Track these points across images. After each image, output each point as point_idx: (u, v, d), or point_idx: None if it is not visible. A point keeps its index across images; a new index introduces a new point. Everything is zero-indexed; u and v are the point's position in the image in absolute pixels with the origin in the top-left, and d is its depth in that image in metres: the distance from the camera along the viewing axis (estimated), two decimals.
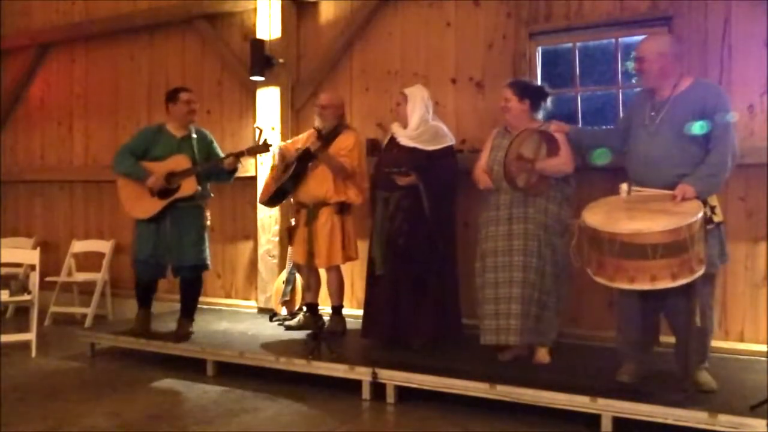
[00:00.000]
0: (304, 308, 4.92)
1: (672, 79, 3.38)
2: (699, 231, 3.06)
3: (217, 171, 4.76)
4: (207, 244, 4.78)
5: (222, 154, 4.81)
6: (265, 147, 4.64)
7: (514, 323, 3.78)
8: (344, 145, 4.55)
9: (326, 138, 4.58)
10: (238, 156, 4.63)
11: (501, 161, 3.80)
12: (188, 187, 4.59)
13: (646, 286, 3.06)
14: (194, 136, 4.78)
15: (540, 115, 4.02)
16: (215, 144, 4.90)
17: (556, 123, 3.89)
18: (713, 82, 3.78)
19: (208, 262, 4.79)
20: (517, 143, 3.73)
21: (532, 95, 3.97)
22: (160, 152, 4.66)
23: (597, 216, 3.23)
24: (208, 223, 4.82)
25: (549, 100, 4.08)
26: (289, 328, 4.85)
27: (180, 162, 4.62)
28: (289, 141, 5.04)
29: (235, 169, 4.78)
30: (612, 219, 3.16)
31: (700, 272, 3.07)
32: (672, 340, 3.54)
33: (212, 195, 4.92)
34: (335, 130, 4.63)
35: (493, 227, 3.92)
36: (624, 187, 3.28)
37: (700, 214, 3.06)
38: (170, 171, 4.60)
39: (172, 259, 4.65)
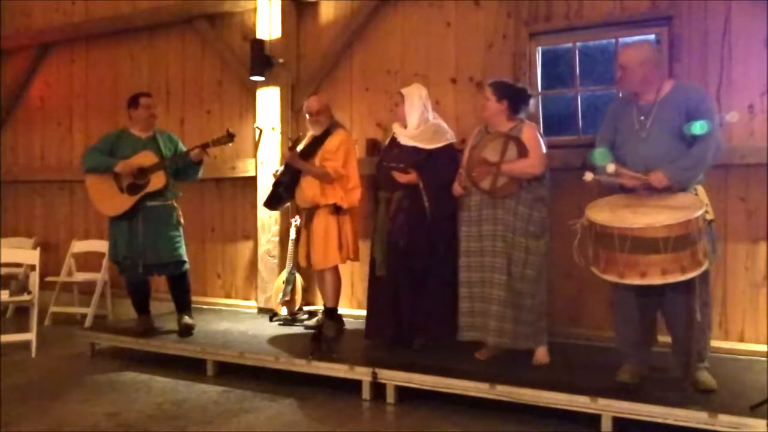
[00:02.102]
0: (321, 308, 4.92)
1: (654, 84, 3.43)
2: (703, 224, 3.11)
3: (185, 166, 4.80)
4: (182, 240, 4.83)
5: None
6: (230, 138, 4.70)
7: (493, 324, 3.80)
8: (328, 148, 4.55)
9: (314, 143, 4.62)
10: (203, 147, 4.70)
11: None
12: (157, 181, 4.65)
13: (658, 280, 3.08)
14: (158, 136, 4.85)
15: (521, 116, 4.01)
16: (181, 144, 4.95)
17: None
18: (694, 83, 3.79)
19: (185, 258, 4.83)
20: (480, 148, 3.79)
21: (511, 96, 3.96)
22: (127, 151, 4.72)
23: (603, 213, 3.24)
24: (181, 219, 4.86)
25: (531, 103, 4.11)
26: (308, 328, 4.84)
27: (147, 157, 4.68)
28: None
29: (201, 161, 4.80)
30: (618, 216, 3.18)
31: (706, 265, 3.11)
32: (669, 339, 3.54)
33: (181, 193, 4.94)
34: (326, 132, 4.64)
35: (466, 227, 3.96)
36: (611, 167, 3.32)
37: (704, 208, 3.11)
38: (139, 166, 4.65)
39: (149, 259, 4.69)
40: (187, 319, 4.81)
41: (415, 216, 4.20)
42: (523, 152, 3.79)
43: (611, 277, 3.19)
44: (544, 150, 3.89)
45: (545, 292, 3.92)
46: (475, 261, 3.91)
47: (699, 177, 3.35)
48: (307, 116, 4.71)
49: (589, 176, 3.35)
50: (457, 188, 4.04)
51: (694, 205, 3.13)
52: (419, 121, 4.34)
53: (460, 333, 3.98)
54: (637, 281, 3.13)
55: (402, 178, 4.22)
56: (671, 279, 3.07)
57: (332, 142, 4.57)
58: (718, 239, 4.08)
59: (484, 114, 4.01)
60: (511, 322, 3.80)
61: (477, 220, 3.91)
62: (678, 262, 3.04)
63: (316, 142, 4.62)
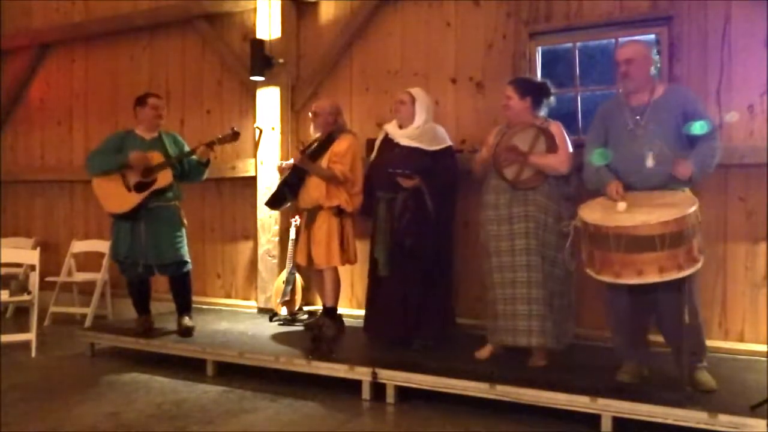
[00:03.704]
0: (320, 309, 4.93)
1: (649, 83, 3.46)
2: (697, 221, 3.11)
3: (191, 166, 4.79)
4: (185, 241, 4.82)
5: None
6: (235, 136, 4.70)
7: (535, 324, 3.72)
8: (337, 151, 4.56)
9: (320, 146, 4.62)
10: (209, 146, 4.69)
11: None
12: (164, 179, 4.65)
13: (655, 278, 3.06)
14: (164, 137, 4.85)
15: (543, 112, 4.01)
16: (187, 147, 4.94)
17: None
18: (685, 86, 3.83)
19: (187, 258, 4.82)
20: (512, 133, 3.77)
21: (533, 93, 3.96)
22: (132, 153, 4.69)
23: (596, 213, 3.23)
24: (184, 221, 4.85)
25: (552, 97, 4.08)
26: (307, 327, 4.85)
27: (153, 157, 4.68)
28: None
29: (208, 161, 4.79)
30: (612, 215, 3.17)
31: (701, 263, 3.11)
32: (661, 339, 3.55)
33: (183, 196, 4.93)
34: (330, 136, 4.64)
35: (493, 227, 3.89)
36: (622, 205, 3.24)
37: (697, 204, 3.12)
38: (146, 164, 4.64)
39: (150, 259, 4.69)
40: (187, 321, 4.79)
41: (421, 216, 4.20)
42: (551, 147, 3.77)
43: (607, 278, 3.17)
44: (571, 149, 3.87)
45: (573, 292, 3.88)
46: (507, 261, 3.82)
47: (708, 174, 3.39)
48: (315, 116, 4.70)
49: (622, 206, 3.23)
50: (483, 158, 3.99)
51: (687, 202, 3.13)
52: (421, 123, 4.35)
53: (495, 336, 3.88)
54: (634, 280, 3.11)
55: (407, 183, 4.21)
56: (668, 276, 3.06)
57: (341, 146, 4.57)
58: (718, 239, 4.12)
59: (508, 113, 3.97)
60: (543, 320, 3.74)
61: (507, 218, 3.84)
62: (674, 259, 3.04)
63: (324, 145, 4.62)
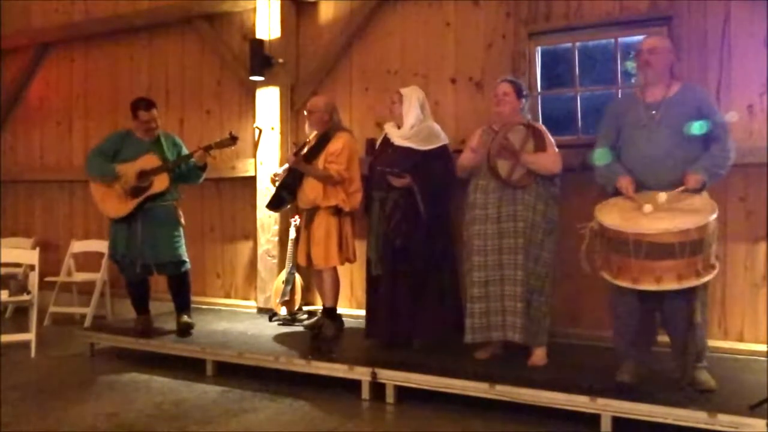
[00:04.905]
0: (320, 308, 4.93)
1: (668, 79, 3.46)
2: (715, 228, 3.09)
3: (188, 169, 4.82)
4: (182, 240, 4.83)
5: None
6: (233, 140, 4.72)
7: (518, 321, 3.75)
8: (332, 150, 4.54)
9: (316, 145, 4.60)
10: (206, 150, 4.71)
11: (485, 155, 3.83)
12: (160, 183, 4.67)
13: (674, 285, 3.04)
14: (163, 139, 4.86)
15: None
16: (185, 148, 4.95)
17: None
18: (701, 86, 3.81)
19: (185, 258, 4.83)
20: (505, 131, 3.76)
21: (524, 95, 4.04)
22: (130, 154, 4.73)
23: (612, 217, 3.19)
24: (182, 220, 4.86)
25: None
26: (307, 327, 4.85)
27: (150, 161, 4.70)
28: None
29: (205, 165, 4.82)
30: (631, 220, 3.12)
31: (717, 269, 3.09)
32: (667, 339, 3.55)
33: (181, 196, 4.95)
34: (326, 134, 4.63)
35: (480, 226, 3.89)
36: (662, 195, 3.19)
37: (717, 211, 3.09)
38: (141, 169, 4.66)
39: (148, 258, 4.70)
40: (186, 318, 4.81)
41: (412, 216, 4.20)
42: (540, 147, 3.79)
43: (624, 283, 3.14)
44: (556, 149, 3.91)
45: (551, 290, 3.91)
46: (493, 260, 3.83)
47: (721, 178, 3.38)
48: (309, 114, 4.69)
49: (648, 209, 3.16)
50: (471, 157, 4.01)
51: (707, 208, 3.08)
52: (414, 122, 4.35)
53: (472, 335, 3.87)
54: (653, 287, 3.08)
55: (397, 182, 4.22)
56: (686, 284, 3.03)
57: (336, 145, 4.55)
58: (719, 239, 4.10)
59: (504, 108, 3.96)
60: (523, 317, 3.76)
61: (495, 217, 3.85)
62: (693, 266, 3.01)
63: (320, 144, 4.61)
